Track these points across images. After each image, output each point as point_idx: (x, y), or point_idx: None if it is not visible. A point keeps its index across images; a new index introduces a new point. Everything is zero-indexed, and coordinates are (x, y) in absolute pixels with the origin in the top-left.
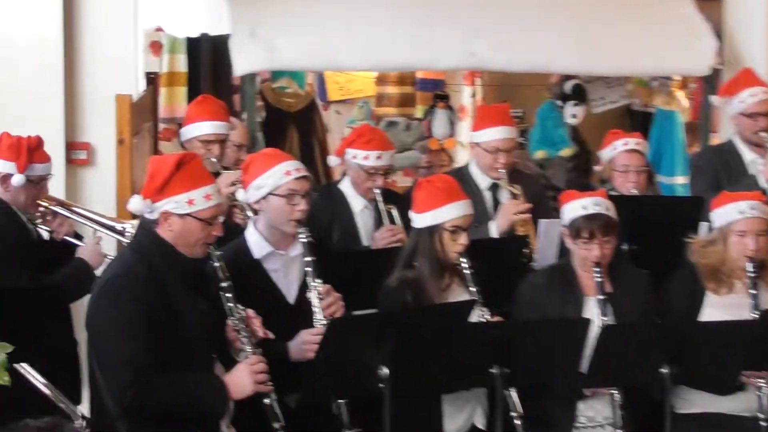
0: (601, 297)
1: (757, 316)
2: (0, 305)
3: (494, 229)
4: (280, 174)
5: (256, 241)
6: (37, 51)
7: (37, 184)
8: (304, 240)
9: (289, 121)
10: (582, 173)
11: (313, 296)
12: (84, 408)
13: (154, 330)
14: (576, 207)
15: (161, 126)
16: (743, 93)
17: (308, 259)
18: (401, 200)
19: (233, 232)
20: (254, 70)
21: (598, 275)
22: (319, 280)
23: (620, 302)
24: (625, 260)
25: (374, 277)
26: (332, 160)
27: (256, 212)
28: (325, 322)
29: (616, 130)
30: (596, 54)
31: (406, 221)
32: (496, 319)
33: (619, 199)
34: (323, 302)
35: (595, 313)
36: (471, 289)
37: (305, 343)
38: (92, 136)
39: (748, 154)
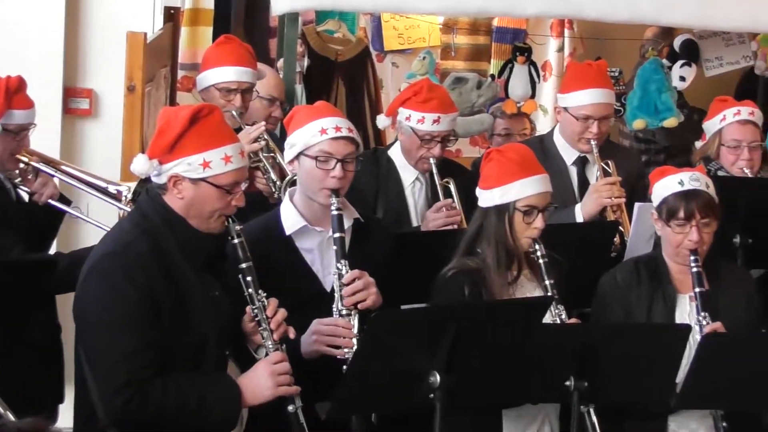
0: (700, 290)
1: None
2: None
3: (579, 213)
4: (315, 131)
5: (289, 215)
6: None
7: (16, 135)
8: (335, 213)
9: (336, 72)
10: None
11: (335, 280)
12: (68, 409)
13: (155, 320)
14: (671, 183)
15: (181, 73)
16: None
17: (337, 235)
18: (463, 174)
19: (255, 201)
20: (296, 9)
21: (696, 265)
22: (344, 261)
23: (717, 305)
24: (723, 256)
25: (427, 265)
26: (381, 121)
27: (283, 177)
28: (345, 311)
29: (725, 96)
30: (715, 4)
31: (469, 200)
32: (573, 321)
33: (729, 181)
34: (347, 288)
35: (689, 313)
36: (545, 283)
37: (315, 334)
38: (96, 81)
39: None
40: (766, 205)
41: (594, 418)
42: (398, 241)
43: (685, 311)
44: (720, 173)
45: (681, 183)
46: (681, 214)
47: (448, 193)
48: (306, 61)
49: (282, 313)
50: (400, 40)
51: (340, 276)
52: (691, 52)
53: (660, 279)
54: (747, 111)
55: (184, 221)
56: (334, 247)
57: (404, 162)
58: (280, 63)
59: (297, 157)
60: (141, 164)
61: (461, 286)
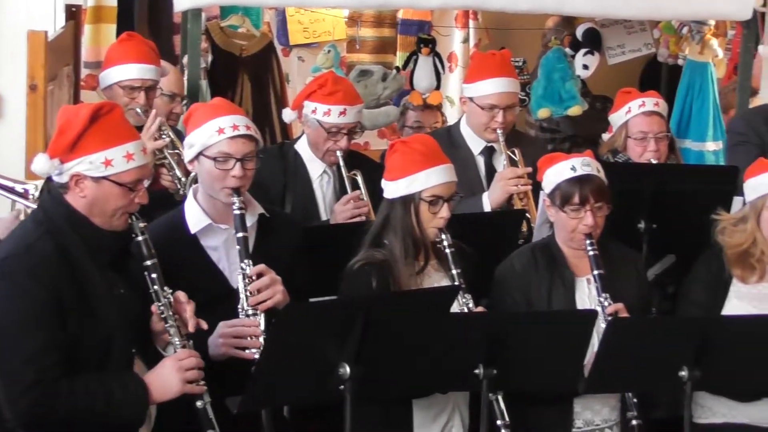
0: (598, 272)
1: None
2: None
3: (486, 202)
4: (212, 131)
5: (193, 214)
6: None
7: None
8: (237, 212)
9: (241, 67)
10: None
11: (239, 280)
12: None
13: (61, 320)
14: (563, 169)
15: (84, 71)
16: None
17: (240, 235)
18: (371, 165)
19: (160, 198)
20: (199, 5)
21: (593, 248)
22: (248, 261)
23: (614, 286)
24: (612, 239)
25: (335, 258)
26: (287, 115)
27: (188, 174)
28: (251, 311)
29: (629, 88)
30: None
31: (377, 192)
32: (480, 309)
33: (635, 169)
34: (251, 286)
35: (588, 296)
36: (452, 272)
37: (222, 337)
38: None
39: None
40: (670, 190)
41: (502, 405)
42: (307, 234)
43: (585, 294)
44: (628, 162)
45: (573, 169)
46: (575, 199)
47: (355, 186)
48: (210, 57)
49: (192, 305)
50: (305, 34)
51: (245, 276)
52: (593, 41)
53: (557, 264)
54: (652, 102)
55: (87, 220)
56: (238, 247)
57: (311, 155)
58: (184, 60)
59: (196, 157)
60: (42, 164)
61: (369, 278)
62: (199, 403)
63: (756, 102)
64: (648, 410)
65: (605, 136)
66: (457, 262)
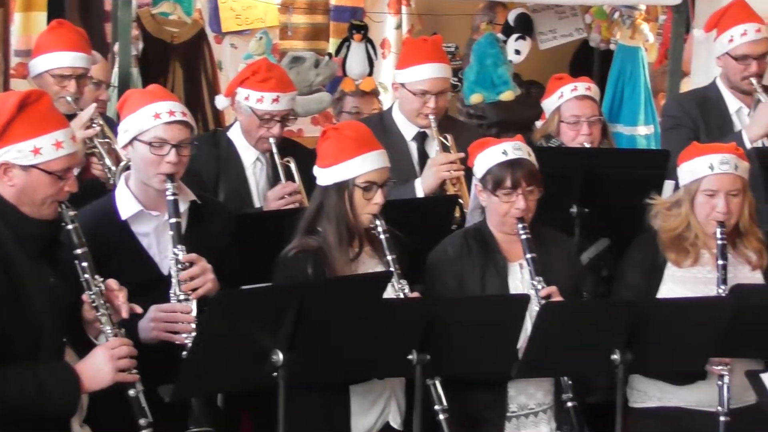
0: (531, 256)
1: (724, 292)
2: None
3: (419, 188)
4: (148, 116)
5: (124, 200)
6: None
7: None
8: (171, 198)
9: (172, 54)
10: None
11: (172, 266)
12: None
13: None
14: (494, 153)
15: (14, 60)
16: (733, 29)
17: (173, 221)
18: (303, 152)
19: (92, 187)
20: None
21: (525, 232)
22: (181, 246)
23: (547, 269)
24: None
25: (267, 245)
26: (220, 102)
27: (119, 163)
28: (182, 296)
29: (561, 74)
30: None
31: (310, 179)
32: (415, 295)
33: (567, 153)
34: (183, 273)
35: (521, 280)
36: (387, 258)
37: (154, 321)
38: None
39: (733, 103)
40: (602, 174)
41: (440, 390)
42: (240, 221)
43: (518, 278)
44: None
45: (505, 153)
46: (508, 183)
47: (288, 173)
48: (141, 45)
49: (124, 292)
50: (237, 21)
51: (177, 261)
52: (525, 26)
53: (489, 249)
54: (584, 86)
55: (16, 209)
56: (171, 233)
57: (244, 143)
58: (115, 47)
59: (131, 142)
60: None
61: (304, 265)
62: (131, 392)
63: (686, 85)
64: (584, 394)
65: (538, 124)
66: (392, 248)
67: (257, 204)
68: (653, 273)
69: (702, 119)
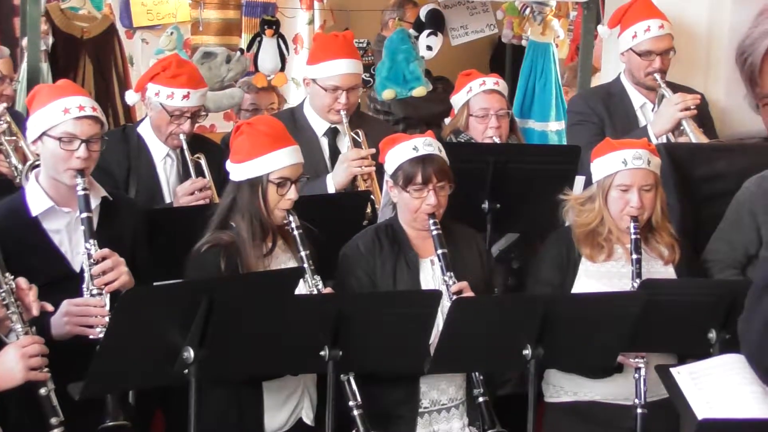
0: (442, 251)
1: (637, 286)
2: None
3: (331, 183)
4: (58, 111)
5: (35, 196)
6: None
7: None
8: (81, 193)
9: (82, 49)
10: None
11: (84, 261)
12: None
13: None
14: (405, 150)
15: None
16: (637, 26)
17: (84, 215)
18: (214, 148)
19: None
20: None
21: (436, 228)
22: (93, 241)
23: (458, 265)
24: (457, 219)
25: (178, 241)
26: (130, 97)
27: (26, 161)
28: (95, 291)
29: (469, 70)
30: None
31: (220, 175)
32: (329, 290)
33: (477, 148)
34: (96, 268)
35: (432, 276)
36: (300, 254)
37: (66, 315)
38: None
39: (637, 98)
40: (513, 170)
41: (354, 386)
42: (150, 217)
43: (429, 274)
44: (471, 141)
45: (415, 149)
46: (418, 179)
47: (199, 169)
48: (50, 39)
49: (34, 290)
50: (149, 16)
51: (90, 256)
52: (436, 22)
53: (401, 245)
54: (492, 81)
55: None
56: (82, 228)
57: (155, 138)
58: (24, 42)
59: (40, 137)
60: None
61: (216, 260)
62: (42, 390)
63: (596, 81)
64: (495, 387)
65: (447, 120)
66: (305, 244)
67: (168, 200)
68: (568, 268)
69: (607, 115)
